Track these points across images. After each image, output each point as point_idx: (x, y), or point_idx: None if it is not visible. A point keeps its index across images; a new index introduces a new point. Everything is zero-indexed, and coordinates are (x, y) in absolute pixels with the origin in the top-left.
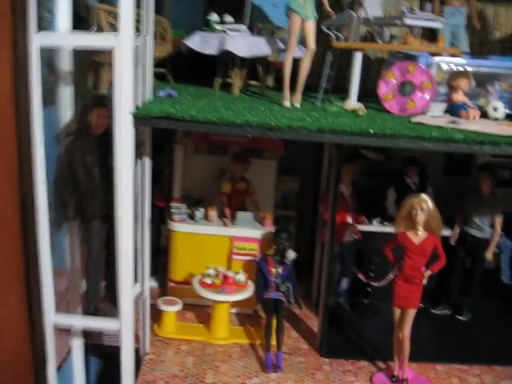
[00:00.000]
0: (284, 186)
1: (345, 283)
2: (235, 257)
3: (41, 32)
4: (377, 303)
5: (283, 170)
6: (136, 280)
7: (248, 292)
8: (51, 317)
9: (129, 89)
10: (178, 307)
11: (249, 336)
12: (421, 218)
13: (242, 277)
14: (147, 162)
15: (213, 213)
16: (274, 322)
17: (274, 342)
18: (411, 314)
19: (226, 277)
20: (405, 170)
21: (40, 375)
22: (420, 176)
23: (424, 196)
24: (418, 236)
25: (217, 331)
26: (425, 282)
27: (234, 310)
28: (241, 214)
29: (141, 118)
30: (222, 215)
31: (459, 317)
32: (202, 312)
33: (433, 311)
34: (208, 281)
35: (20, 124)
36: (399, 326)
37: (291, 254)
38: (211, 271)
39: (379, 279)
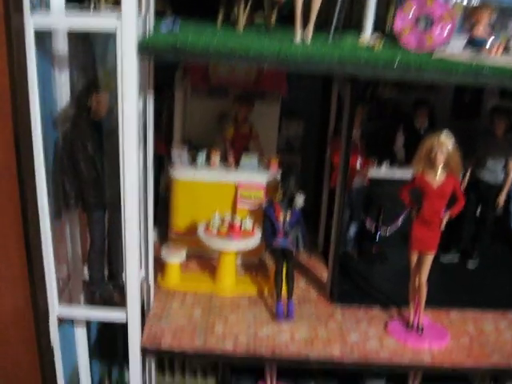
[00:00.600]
0: (287, 129)
1: (352, 230)
2: (240, 204)
3: (36, 13)
4: (385, 250)
5: (286, 113)
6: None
7: (255, 239)
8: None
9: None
10: (182, 257)
11: (256, 286)
12: (441, 159)
13: (248, 224)
14: (150, 105)
15: (216, 157)
16: (284, 270)
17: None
18: (429, 258)
19: (232, 224)
20: (414, 112)
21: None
22: (429, 119)
23: (444, 136)
24: (437, 178)
25: (223, 281)
26: (443, 225)
27: (239, 260)
28: (245, 159)
29: (146, 50)
30: (225, 160)
31: (469, 263)
32: (206, 263)
33: (442, 257)
34: (214, 229)
35: (17, 110)
36: (416, 272)
37: (300, 200)
38: (216, 219)
39: (387, 226)
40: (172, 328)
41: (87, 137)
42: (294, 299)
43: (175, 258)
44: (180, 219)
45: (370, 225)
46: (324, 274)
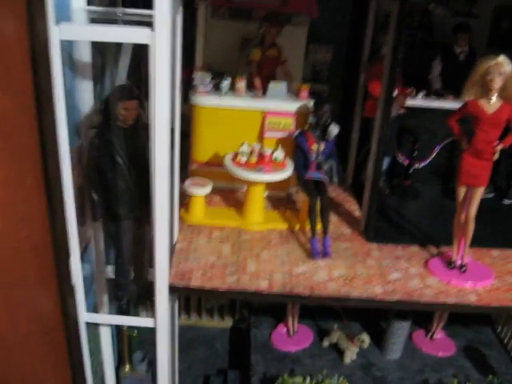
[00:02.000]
0: (315, 56)
1: (384, 164)
2: (268, 133)
3: (62, 23)
4: (417, 186)
5: (314, 38)
6: None
7: (287, 171)
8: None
9: None
10: (207, 189)
11: (286, 221)
12: (497, 83)
13: (280, 154)
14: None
15: (241, 84)
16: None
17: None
18: (479, 192)
19: (262, 154)
20: (454, 37)
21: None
22: (469, 46)
23: (502, 58)
24: (492, 105)
25: (251, 216)
26: (496, 157)
27: (265, 194)
28: (273, 85)
29: None
30: (251, 86)
31: (505, 200)
32: (231, 196)
33: None
34: (242, 159)
35: (43, 120)
36: (463, 207)
37: (334, 129)
38: (245, 148)
39: (421, 160)
40: (201, 265)
41: (115, 146)
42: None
43: (200, 190)
44: (202, 150)
45: (402, 159)
46: (354, 208)
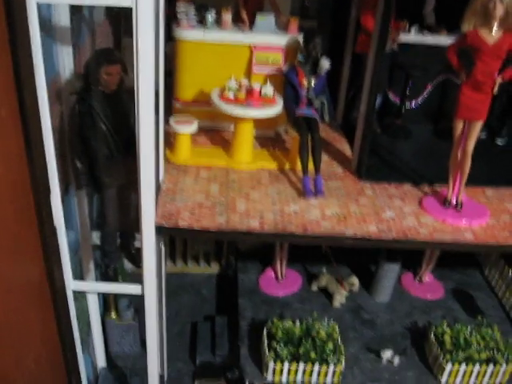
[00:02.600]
0: None
1: (376, 103)
2: (256, 69)
3: None
4: (409, 126)
5: None
6: None
7: (277, 107)
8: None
9: None
10: (193, 127)
11: (276, 160)
12: (499, 11)
13: (269, 89)
14: None
15: (227, 16)
16: (310, 142)
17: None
18: (477, 127)
19: (250, 90)
20: None
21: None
22: None
23: None
24: (493, 35)
25: (240, 155)
26: (495, 90)
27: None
28: (261, 18)
29: None
30: (237, 20)
31: (498, 140)
32: (217, 136)
33: None
34: (230, 95)
35: (23, 85)
36: (459, 143)
37: (325, 63)
38: (232, 84)
39: (413, 99)
40: (189, 205)
41: (97, 112)
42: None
43: (186, 128)
44: (186, 87)
45: (394, 97)
46: (344, 147)
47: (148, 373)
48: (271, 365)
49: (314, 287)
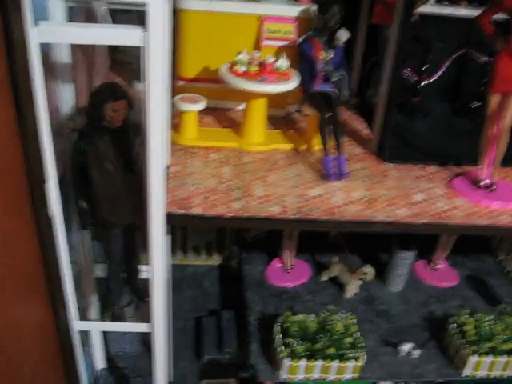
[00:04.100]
0: None
1: None
2: (266, 42)
3: (41, 25)
4: (426, 103)
5: None
6: None
7: (293, 81)
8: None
9: None
10: (201, 105)
11: (291, 141)
12: None
13: (284, 63)
14: None
15: None
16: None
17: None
18: None
19: (263, 63)
20: None
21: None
22: None
23: None
24: None
25: (252, 135)
26: None
27: None
28: None
29: None
30: None
31: None
32: (224, 116)
33: None
34: (241, 69)
35: (25, 124)
36: (494, 118)
37: (344, 34)
38: (243, 57)
39: (430, 75)
40: (200, 190)
41: (102, 150)
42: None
43: (193, 105)
44: (190, 63)
45: (410, 73)
46: (361, 127)
47: None
48: (287, 362)
49: (325, 277)
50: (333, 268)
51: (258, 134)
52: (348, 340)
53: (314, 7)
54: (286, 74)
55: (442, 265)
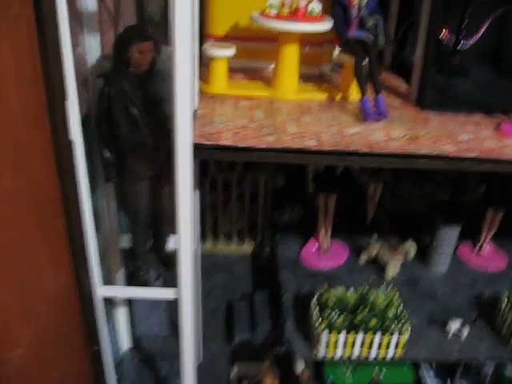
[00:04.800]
0: None
1: None
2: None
3: None
4: (467, 64)
5: None
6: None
7: (326, 23)
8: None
9: None
10: (231, 51)
11: (326, 91)
12: None
13: (316, 6)
14: None
15: None
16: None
17: None
18: None
19: (295, 7)
20: None
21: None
22: None
23: None
24: None
25: (284, 83)
26: None
27: None
28: None
29: None
30: None
31: None
32: (254, 75)
33: None
34: (272, 12)
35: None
36: None
37: None
38: (274, 1)
39: (468, 36)
40: (230, 127)
41: (128, 95)
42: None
43: (223, 51)
44: (219, 20)
45: (447, 34)
46: (399, 84)
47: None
48: (325, 336)
49: (364, 258)
50: (372, 248)
51: (290, 83)
52: (391, 312)
53: None
54: (320, 17)
55: (488, 247)
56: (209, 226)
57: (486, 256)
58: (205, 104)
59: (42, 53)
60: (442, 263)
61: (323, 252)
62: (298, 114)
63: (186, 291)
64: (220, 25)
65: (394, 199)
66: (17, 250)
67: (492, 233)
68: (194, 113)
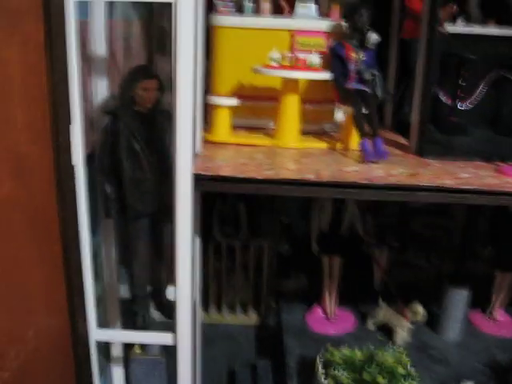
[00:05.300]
0: None
1: None
2: (297, 54)
3: None
4: (464, 122)
5: None
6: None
7: (324, 74)
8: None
9: None
10: (234, 101)
11: (326, 141)
12: None
13: (316, 58)
14: None
15: (266, 5)
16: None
17: None
18: None
19: (295, 59)
20: None
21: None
22: None
23: None
24: None
25: (286, 133)
26: None
27: None
28: (301, 5)
29: None
30: (276, 10)
31: None
32: (256, 131)
33: None
34: (273, 64)
35: (56, 104)
36: None
37: (373, 35)
38: (275, 55)
39: (466, 98)
40: (231, 164)
41: (132, 131)
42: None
43: (226, 100)
44: (223, 79)
45: (445, 95)
46: (398, 139)
47: None
48: None
49: (371, 324)
50: (379, 312)
51: (292, 132)
52: (401, 371)
53: (343, 23)
54: (320, 68)
55: (499, 314)
56: (212, 295)
57: (499, 323)
58: (207, 149)
59: (50, 71)
60: (452, 329)
61: (329, 318)
62: (298, 156)
63: (184, 335)
64: (223, 83)
65: (401, 267)
66: (10, 269)
67: (502, 296)
68: (196, 155)
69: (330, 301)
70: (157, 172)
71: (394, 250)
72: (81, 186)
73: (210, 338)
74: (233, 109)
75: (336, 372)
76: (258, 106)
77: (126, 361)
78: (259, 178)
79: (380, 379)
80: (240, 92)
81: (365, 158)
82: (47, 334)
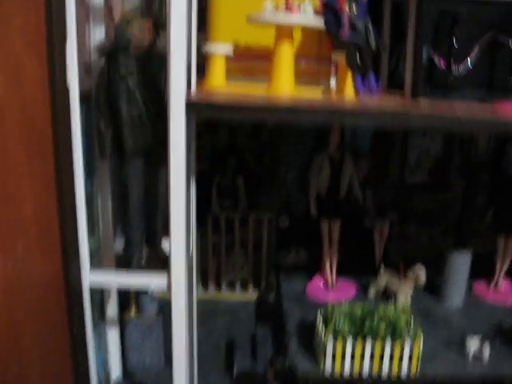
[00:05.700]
0: None
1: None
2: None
3: None
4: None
5: None
6: None
7: (317, 20)
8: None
9: None
10: (229, 48)
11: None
12: None
13: (308, 7)
14: None
15: None
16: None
17: None
18: None
19: (289, 5)
20: None
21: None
22: None
23: None
24: None
25: (280, 82)
26: None
27: None
28: None
29: None
30: None
31: None
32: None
33: None
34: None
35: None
36: None
37: None
38: (269, 4)
39: (460, 62)
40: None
41: (127, 70)
42: None
43: (221, 48)
44: (221, 27)
45: (439, 60)
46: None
47: None
48: (330, 344)
49: (373, 291)
50: (380, 279)
51: (286, 82)
52: (403, 319)
53: None
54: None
55: (504, 283)
56: (211, 273)
57: (503, 293)
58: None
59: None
60: (455, 296)
61: (330, 287)
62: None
63: (179, 274)
64: (221, 32)
65: (401, 239)
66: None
67: (507, 263)
68: (190, 92)
69: (331, 270)
70: (153, 111)
71: (394, 223)
72: (77, 127)
73: (209, 314)
74: (228, 65)
75: (336, 325)
76: (254, 65)
77: (122, 324)
78: (255, 102)
79: (381, 328)
80: (238, 51)
81: (357, 90)
82: (41, 279)
